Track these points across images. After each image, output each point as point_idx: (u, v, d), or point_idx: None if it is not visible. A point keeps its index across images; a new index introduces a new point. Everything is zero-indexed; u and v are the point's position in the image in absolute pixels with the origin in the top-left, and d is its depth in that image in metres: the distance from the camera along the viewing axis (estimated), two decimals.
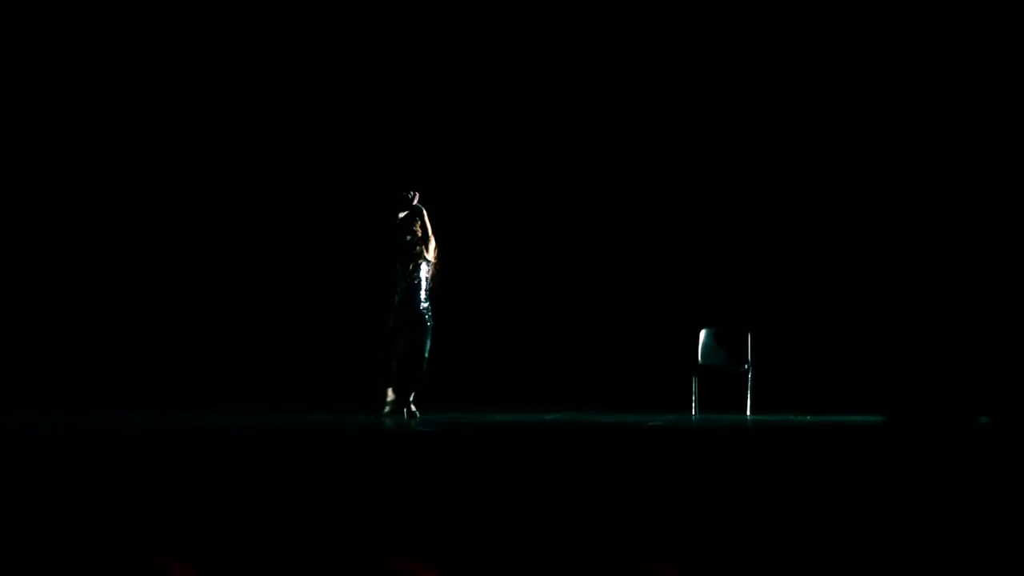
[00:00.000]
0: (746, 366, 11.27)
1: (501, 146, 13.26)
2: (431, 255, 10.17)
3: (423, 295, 10.15)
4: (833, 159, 12.33)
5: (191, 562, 3.65)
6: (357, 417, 10.29)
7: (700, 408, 11.09)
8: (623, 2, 12.91)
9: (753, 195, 12.61)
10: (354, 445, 7.35)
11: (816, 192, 12.40)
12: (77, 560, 3.58)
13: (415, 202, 10.21)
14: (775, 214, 12.56)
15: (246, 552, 5.74)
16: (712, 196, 12.73)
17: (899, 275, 11.27)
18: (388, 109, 13.27)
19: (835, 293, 12.22)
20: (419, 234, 10.14)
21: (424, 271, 10.16)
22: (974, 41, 11.37)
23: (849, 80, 12.25)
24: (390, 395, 10.20)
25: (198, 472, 6.50)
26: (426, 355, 10.16)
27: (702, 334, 11.57)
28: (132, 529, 6.08)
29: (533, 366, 12.98)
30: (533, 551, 5.29)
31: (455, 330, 12.75)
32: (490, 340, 13.26)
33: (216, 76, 13.00)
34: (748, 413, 11.00)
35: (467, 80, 13.25)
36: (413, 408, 10.10)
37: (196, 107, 13.04)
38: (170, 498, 6.24)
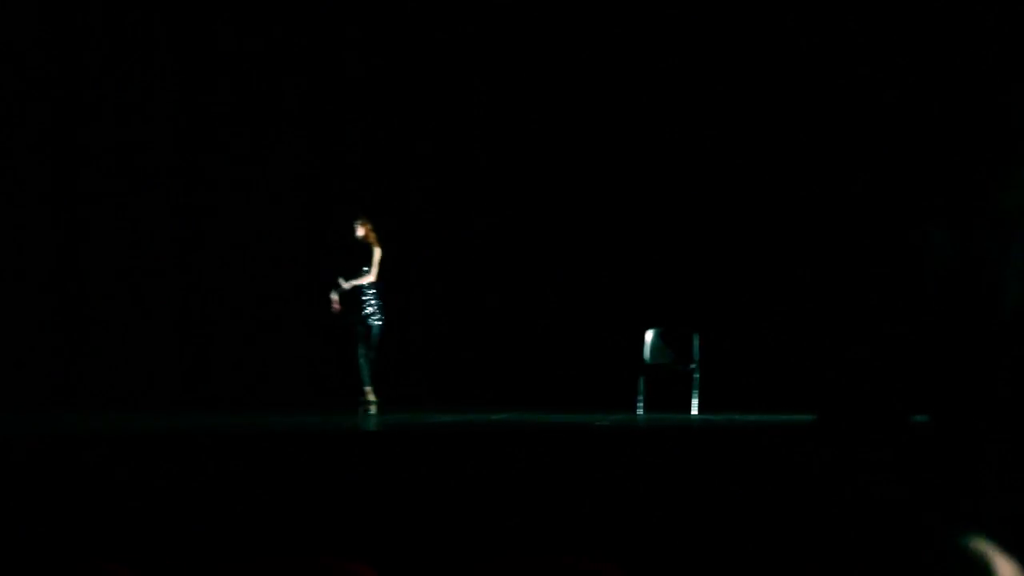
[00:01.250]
0: (692, 365, 11.30)
1: (449, 145, 13.23)
2: (372, 277, 11.16)
3: (371, 304, 11.12)
4: (777, 161, 12.39)
5: (132, 563, 3.58)
6: (298, 418, 10.24)
7: (646, 407, 11.10)
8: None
9: (700, 196, 12.66)
10: (298, 445, 7.29)
11: (761, 192, 12.46)
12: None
13: (362, 233, 11.16)
14: (721, 214, 12.62)
15: (183, 554, 5.66)
16: (659, 197, 12.77)
17: (840, 273, 11.34)
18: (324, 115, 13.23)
19: (781, 293, 12.28)
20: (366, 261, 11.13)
21: (366, 283, 11.16)
22: (901, 42, 11.46)
23: (790, 83, 12.31)
24: (370, 395, 11.11)
25: (137, 474, 6.42)
26: (372, 356, 11.15)
27: (648, 334, 11.60)
28: (75, 533, 5.99)
29: (481, 367, 12.96)
30: (478, 551, 5.25)
31: (405, 331, 12.72)
32: (438, 341, 13.23)
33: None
34: (694, 412, 11.02)
35: (394, 80, 13.20)
36: (372, 399, 11.00)
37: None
38: (105, 500, 6.16)
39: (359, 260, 11.16)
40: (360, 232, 11.19)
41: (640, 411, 11.05)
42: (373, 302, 11.17)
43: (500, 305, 13.10)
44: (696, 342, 11.45)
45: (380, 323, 11.20)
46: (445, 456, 6.99)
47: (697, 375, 11.25)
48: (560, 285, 12.97)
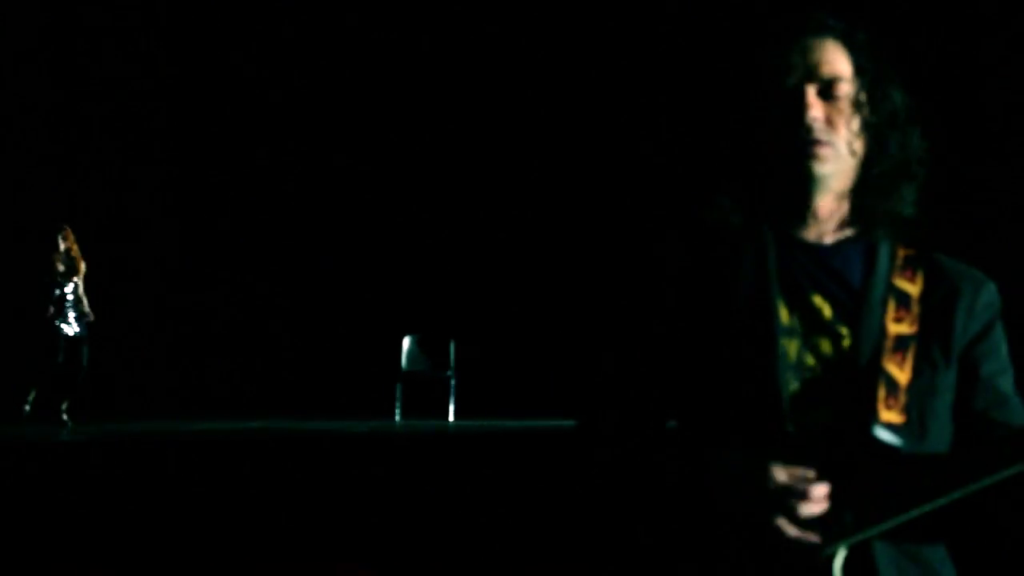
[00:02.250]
0: (448, 372, 11.42)
1: (217, 159, 13.07)
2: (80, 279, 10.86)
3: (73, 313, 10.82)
4: (528, 173, 12.59)
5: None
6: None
7: (404, 414, 11.18)
8: None
9: (456, 206, 12.77)
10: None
11: (517, 203, 12.64)
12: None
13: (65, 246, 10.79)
14: (476, 224, 12.75)
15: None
16: (416, 207, 12.84)
17: (589, 282, 11.63)
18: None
19: (535, 301, 12.47)
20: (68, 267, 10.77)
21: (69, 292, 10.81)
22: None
23: (532, 85, 12.51)
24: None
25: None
26: (84, 365, 10.77)
27: (406, 341, 11.68)
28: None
29: (239, 372, 12.82)
30: (232, 560, 5.24)
31: (158, 339, 12.51)
32: (188, 346, 13.03)
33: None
34: (451, 418, 11.14)
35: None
36: (65, 417, 10.49)
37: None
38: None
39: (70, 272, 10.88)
40: (63, 245, 10.85)
41: (398, 417, 11.12)
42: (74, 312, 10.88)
43: (258, 313, 12.98)
44: (452, 349, 11.59)
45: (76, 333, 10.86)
46: (201, 464, 6.94)
47: (453, 381, 11.39)
48: (319, 293, 12.93)
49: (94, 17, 12.69)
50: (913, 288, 2.02)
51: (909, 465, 1.92)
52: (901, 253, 2.05)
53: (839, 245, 2.04)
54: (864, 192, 2.03)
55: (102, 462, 7.09)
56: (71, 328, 10.71)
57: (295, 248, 12.97)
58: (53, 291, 10.67)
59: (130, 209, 12.86)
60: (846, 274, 2.02)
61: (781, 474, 1.87)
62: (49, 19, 12.55)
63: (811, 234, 2.04)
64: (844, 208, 2.04)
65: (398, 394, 11.24)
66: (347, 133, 12.90)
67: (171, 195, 13.16)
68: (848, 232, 2.05)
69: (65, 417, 10.51)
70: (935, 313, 2.02)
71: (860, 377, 1.97)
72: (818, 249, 2.04)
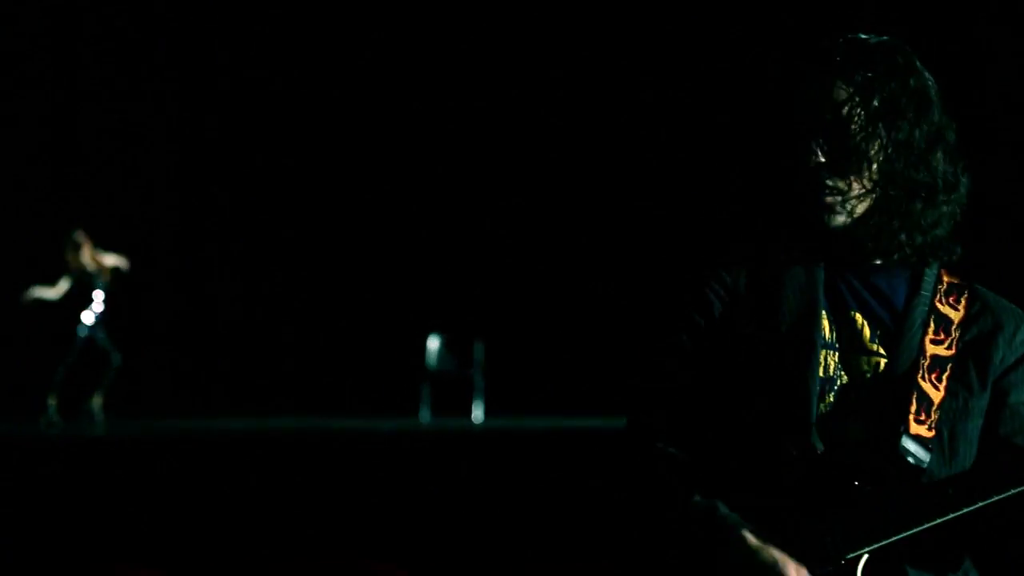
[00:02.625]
0: (474, 371, 11.42)
1: (232, 153, 13.11)
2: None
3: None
4: (563, 169, 12.54)
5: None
6: None
7: (430, 413, 11.18)
8: None
9: (482, 203, 12.72)
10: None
11: (545, 200, 12.58)
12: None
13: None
14: (503, 222, 12.68)
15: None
16: (442, 205, 12.80)
17: (627, 279, 11.60)
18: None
19: (560, 300, 12.41)
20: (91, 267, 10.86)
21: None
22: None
23: (564, 90, 12.47)
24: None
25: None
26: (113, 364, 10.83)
27: (432, 340, 11.68)
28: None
29: (264, 371, 12.84)
30: (269, 553, 5.29)
31: (182, 336, 12.58)
32: (213, 344, 13.04)
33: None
34: (476, 417, 11.15)
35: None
36: (96, 412, 10.65)
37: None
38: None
39: None
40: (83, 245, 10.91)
41: (424, 416, 11.13)
42: None
43: (284, 311, 13.01)
44: (478, 348, 11.59)
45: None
46: (224, 463, 6.98)
47: (479, 381, 11.39)
48: (343, 290, 12.91)
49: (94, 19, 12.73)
50: (955, 314, 2.07)
51: (931, 479, 1.99)
52: (946, 279, 2.10)
53: (886, 266, 2.09)
54: (880, 215, 2.06)
55: (133, 460, 7.15)
56: (95, 327, 10.78)
57: (321, 246, 12.97)
58: (81, 290, 10.74)
59: (150, 207, 12.91)
60: (890, 295, 2.08)
61: (791, 571, 1.93)
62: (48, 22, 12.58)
63: (857, 254, 2.09)
64: (870, 229, 2.07)
65: (423, 393, 11.25)
66: (375, 130, 12.89)
67: (198, 191, 13.21)
68: (896, 254, 2.08)
69: (96, 412, 10.59)
70: (976, 340, 2.08)
71: (893, 390, 2.02)
72: (865, 269, 2.09)
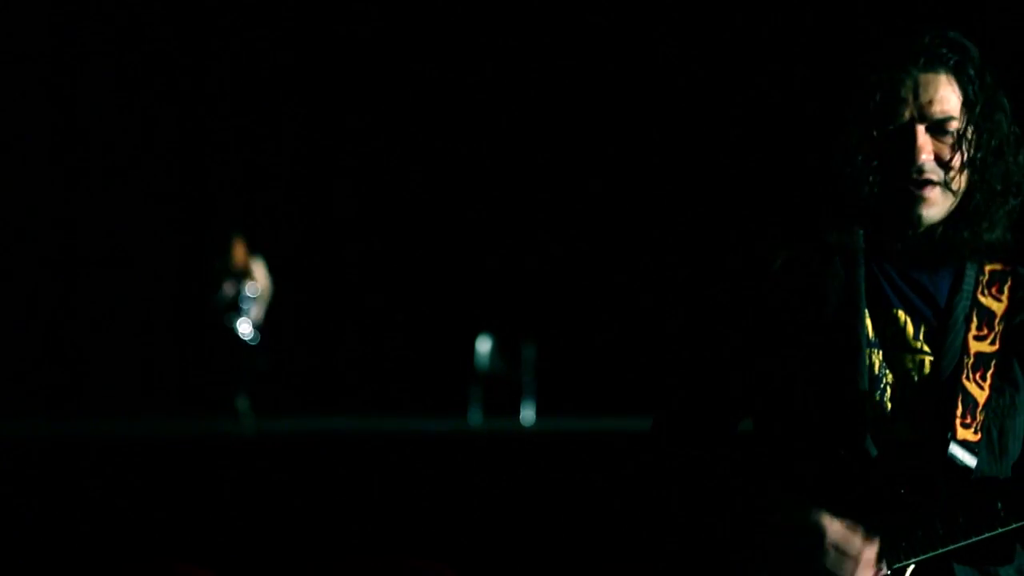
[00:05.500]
0: (524, 372, 11.41)
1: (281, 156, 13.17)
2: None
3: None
4: (611, 169, 12.52)
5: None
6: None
7: (479, 414, 11.19)
8: None
9: (532, 205, 12.72)
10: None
11: (596, 200, 12.55)
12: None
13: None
14: (554, 224, 12.68)
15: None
16: (492, 206, 12.80)
17: (670, 279, 11.56)
18: None
19: (614, 299, 12.36)
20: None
21: None
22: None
23: (621, 95, 12.45)
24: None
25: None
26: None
27: (482, 341, 11.68)
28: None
29: (314, 372, 12.89)
30: (317, 553, 5.32)
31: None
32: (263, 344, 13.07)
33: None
34: (524, 419, 11.15)
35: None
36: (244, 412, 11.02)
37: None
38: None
39: None
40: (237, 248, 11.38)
41: (473, 418, 11.14)
42: None
43: (334, 312, 13.06)
44: (528, 349, 11.58)
45: None
46: (275, 463, 7.02)
47: (529, 382, 11.39)
48: (393, 290, 12.94)
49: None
50: (998, 306, 2.04)
51: (981, 488, 1.98)
52: (987, 268, 2.07)
53: (928, 261, 2.06)
54: (957, 221, 2.04)
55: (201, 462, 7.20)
56: (245, 328, 11.19)
57: (372, 248, 13.01)
58: (226, 293, 11.18)
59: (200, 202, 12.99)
60: (933, 291, 2.05)
61: (834, 532, 1.91)
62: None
63: (901, 250, 2.06)
64: (937, 230, 2.05)
65: (472, 395, 11.26)
66: (427, 131, 12.90)
67: (253, 191, 13.29)
68: (938, 249, 2.06)
69: (244, 412, 10.96)
70: (1018, 331, 2.05)
71: (938, 394, 2.00)
72: (907, 265, 2.06)
